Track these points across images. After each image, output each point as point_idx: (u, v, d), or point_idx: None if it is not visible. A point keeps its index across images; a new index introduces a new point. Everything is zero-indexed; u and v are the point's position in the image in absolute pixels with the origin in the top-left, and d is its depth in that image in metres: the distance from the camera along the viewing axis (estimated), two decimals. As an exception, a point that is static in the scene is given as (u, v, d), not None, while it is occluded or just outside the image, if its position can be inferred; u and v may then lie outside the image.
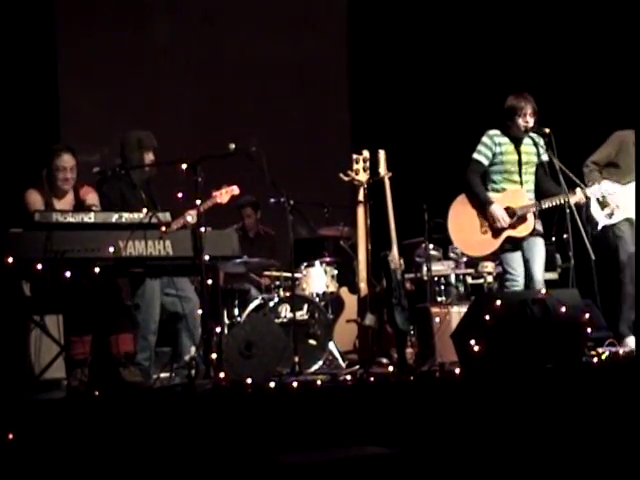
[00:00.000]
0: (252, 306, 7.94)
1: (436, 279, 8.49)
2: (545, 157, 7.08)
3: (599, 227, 7.50)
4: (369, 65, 11.01)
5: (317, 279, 8.27)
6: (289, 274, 7.58)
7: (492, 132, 7.03)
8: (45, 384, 6.03)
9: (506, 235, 6.91)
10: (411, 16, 10.69)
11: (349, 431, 5.19)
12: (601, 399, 5.79)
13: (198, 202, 6.11)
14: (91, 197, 6.62)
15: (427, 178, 9.65)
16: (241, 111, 10.43)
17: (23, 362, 6.14)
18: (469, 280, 8.70)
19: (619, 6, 9.23)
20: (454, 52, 10.39)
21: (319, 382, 5.94)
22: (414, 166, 9.65)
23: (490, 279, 8.38)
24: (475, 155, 6.99)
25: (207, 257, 5.90)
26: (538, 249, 7.02)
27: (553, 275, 8.38)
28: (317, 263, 8.36)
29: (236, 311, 8.16)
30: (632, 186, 7.51)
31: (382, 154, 6.75)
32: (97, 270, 5.69)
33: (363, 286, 6.58)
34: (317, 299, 8.10)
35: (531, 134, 7.02)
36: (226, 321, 7.89)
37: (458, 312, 7.12)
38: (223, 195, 7.16)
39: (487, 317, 6.08)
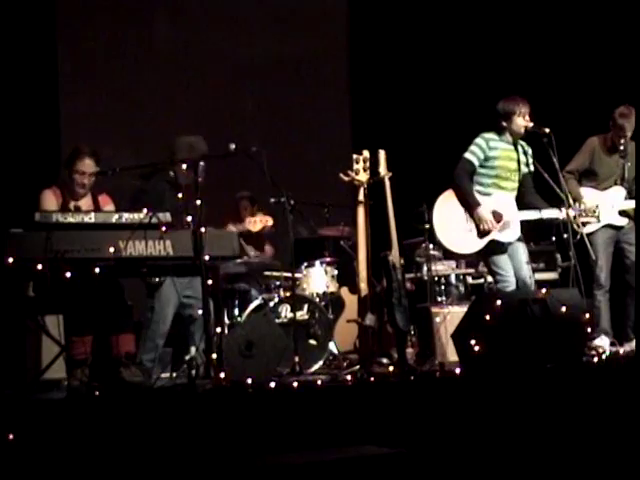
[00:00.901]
0: (252, 306, 7.94)
1: (436, 279, 8.49)
2: (532, 167, 7.07)
3: (578, 236, 7.49)
4: (369, 64, 11.00)
5: (317, 279, 8.26)
6: (289, 274, 7.58)
7: (487, 135, 7.00)
8: (45, 384, 6.03)
9: (491, 238, 6.88)
10: (412, 16, 10.68)
11: (349, 431, 5.20)
12: (601, 399, 5.79)
13: (198, 202, 6.11)
14: (109, 208, 6.63)
15: (427, 178, 9.64)
16: (241, 111, 10.43)
17: (23, 362, 6.14)
18: (469, 280, 8.70)
19: (616, 6, 9.24)
20: (454, 52, 10.38)
21: (319, 382, 5.94)
22: (414, 166, 9.64)
23: (490, 279, 8.37)
24: (467, 154, 6.95)
25: (207, 257, 5.91)
26: (521, 253, 6.97)
27: (553, 275, 8.38)
28: (317, 263, 8.36)
29: (236, 311, 8.16)
30: (611, 191, 7.57)
31: (382, 154, 6.75)
32: (97, 270, 5.70)
33: (363, 286, 6.58)
34: (317, 299, 8.10)
35: (521, 142, 7.00)
36: (226, 321, 7.89)
37: (458, 312, 7.13)
38: (257, 223, 7.16)
39: (487, 317, 6.08)
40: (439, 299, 8.35)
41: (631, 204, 7.53)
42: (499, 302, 6.15)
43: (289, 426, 5.15)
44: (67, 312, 6.01)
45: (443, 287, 8.57)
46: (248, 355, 6.21)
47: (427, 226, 7.82)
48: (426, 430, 5.38)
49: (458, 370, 6.11)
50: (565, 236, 7.14)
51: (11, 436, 4.56)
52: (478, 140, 6.97)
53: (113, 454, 4.73)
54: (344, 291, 8.21)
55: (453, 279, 8.67)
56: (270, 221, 7.24)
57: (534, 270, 7.26)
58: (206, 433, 4.98)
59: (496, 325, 6.07)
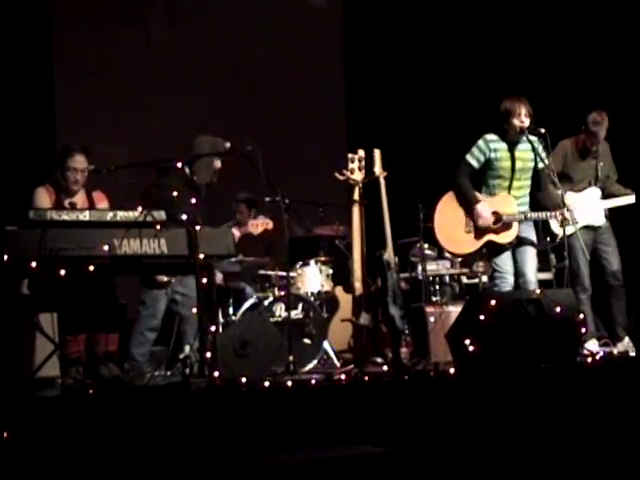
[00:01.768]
0: (247, 305, 7.94)
1: (431, 279, 8.50)
2: (541, 164, 7.02)
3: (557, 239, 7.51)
4: (365, 64, 11.01)
5: (312, 278, 8.26)
6: (284, 273, 7.58)
7: (489, 137, 6.98)
8: (39, 382, 6.02)
9: (488, 239, 6.88)
10: (407, 16, 10.69)
11: (343, 430, 5.20)
12: (595, 399, 5.80)
13: (193, 201, 6.10)
14: (104, 205, 6.62)
15: (422, 178, 9.65)
16: (236, 110, 10.42)
17: (17, 360, 6.13)
18: (464, 280, 8.70)
19: (613, 7, 9.26)
20: (450, 51, 10.39)
21: (313, 381, 5.94)
22: (409, 166, 9.65)
23: (485, 279, 8.37)
24: (467, 156, 6.95)
25: (202, 255, 5.90)
26: (528, 254, 6.97)
27: (548, 275, 8.39)
28: (312, 262, 8.36)
29: (231, 310, 8.15)
30: (587, 192, 7.60)
31: (377, 153, 6.75)
32: (92, 268, 5.69)
33: (358, 285, 6.58)
34: (312, 298, 8.10)
35: (531, 138, 6.97)
36: (221, 320, 7.88)
37: (453, 312, 7.14)
38: (258, 227, 7.15)
39: (482, 317, 6.08)
40: (433, 299, 8.36)
41: (614, 202, 7.60)
42: (494, 302, 6.15)
43: (283, 425, 5.15)
44: (61, 310, 6.00)
45: (438, 287, 8.57)
46: (242, 354, 6.20)
47: (422, 225, 7.83)
48: (420, 430, 5.38)
49: (452, 370, 6.11)
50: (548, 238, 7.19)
51: (5, 434, 4.55)
52: (479, 142, 6.96)
53: (107, 452, 4.73)
54: (339, 290, 8.22)
55: (448, 279, 8.68)
56: (270, 224, 7.21)
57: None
58: (200, 432, 4.98)
59: (490, 325, 6.07)
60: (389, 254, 6.60)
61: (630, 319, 7.40)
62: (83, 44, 9.86)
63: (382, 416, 5.36)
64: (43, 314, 6.13)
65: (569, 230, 7.11)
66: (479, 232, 6.88)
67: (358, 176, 6.63)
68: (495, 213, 6.85)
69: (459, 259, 8.55)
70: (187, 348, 6.37)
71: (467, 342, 6.04)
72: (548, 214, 6.88)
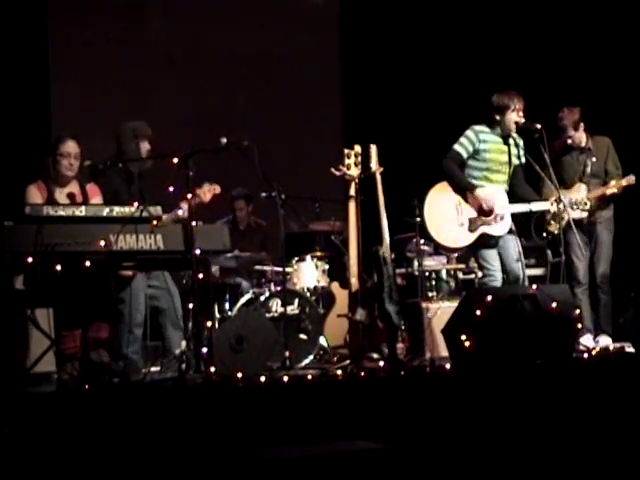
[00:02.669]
0: (243, 300, 7.93)
1: (427, 274, 8.50)
2: (523, 159, 7.08)
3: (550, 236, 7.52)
4: (361, 59, 11.00)
5: (308, 274, 8.26)
6: (280, 268, 7.57)
7: (478, 128, 7.01)
8: (35, 377, 6.02)
9: (482, 231, 6.90)
10: (403, 11, 10.68)
11: (339, 426, 5.20)
12: (591, 395, 5.80)
13: (189, 196, 6.11)
14: (97, 198, 6.62)
15: (418, 173, 9.63)
16: (232, 105, 10.41)
17: (13, 355, 6.13)
18: (460, 275, 8.70)
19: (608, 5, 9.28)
20: (446, 46, 10.39)
21: (309, 377, 5.94)
22: (405, 161, 9.64)
23: (480, 275, 8.36)
24: (456, 146, 6.97)
25: (198, 251, 5.91)
26: (511, 247, 6.98)
27: (543, 271, 8.39)
28: (308, 258, 8.36)
29: (227, 305, 8.15)
30: (575, 189, 7.62)
31: (374, 149, 6.74)
32: (88, 264, 5.69)
33: (354, 281, 6.57)
34: (308, 294, 8.09)
35: (513, 134, 7.01)
36: (217, 315, 7.89)
37: (449, 307, 7.14)
38: (206, 194, 7.03)
39: (478, 312, 6.09)
40: (430, 294, 8.35)
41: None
42: (489, 298, 6.15)
43: (279, 421, 5.15)
44: (57, 306, 6.00)
45: (434, 282, 8.56)
46: (238, 349, 6.20)
47: (418, 220, 7.83)
48: (416, 425, 5.38)
49: (448, 365, 6.12)
50: (556, 232, 7.17)
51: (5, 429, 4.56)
52: (468, 132, 6.99)
53: (103, 448, 4.73)
54: (335, 286, 8.21)
55: (444, 274, 8.68)
56: (218, 189, 7.04)
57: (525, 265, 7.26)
58: (196, 427, 4.98)
59: (486, 321, 6.08)
60: (385, 250, 6.60)
61: (621, 319, 7.39)
62: (79, 40, 9.86)
63: (378, 412, 5.36)
64: (39, 309, 6.13)
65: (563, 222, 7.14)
66: (472, 224, 6.89)
67: (354, 172, 6.63)
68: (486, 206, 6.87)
69: (455, 254, 8.55)
70: (183, 343, 6.37)
71: (463, 338, 6.05)
72: (546, 204, 6.88)
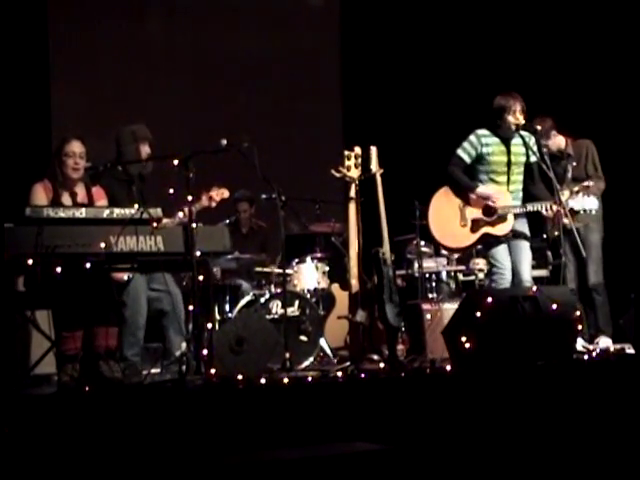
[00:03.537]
0: (243, 302, 7.94)
1: (427, 276, 8.51)
2: (534, 158, 7.09)
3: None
4: (361, 61, 11.01)
5: (308, 275, 8.27)
6: (280, 270, 7.57)
7: (480, 132, 7.03)
8: (36, 379, 6.02)
9: (484, 232, 6.92)
10: (403, 13, 10.69)
11: (339, 427, 5.20)
12: (592, 396, 5.80)
13: (190, 198, 6.11)
14: (102, 201, 6.61)
15: (419, 175, 9.65)
16: (233, 107, 10.41)
17: (13, 357, 6.13)
18: (460, 277, 8.72)
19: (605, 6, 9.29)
20: (446, 48, 10.40)
21: (310, 378, 5.94)
22: (406, 163, 9.65)
23: (481, 276, 8.38)
24: (458, 151, 7.00)
25: (198, 253, 5.90)
26: (523, 251, 7.00)
27: (544, 272, 8.40)
28: (308, 259, 8.37)
29: (227, 307, 8.15)
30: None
31: (374, 150, 6.75)
32: (88, 265, 5.69)
33: (354, 282, 6.57)
34: (308, 295, 8.10)
35: (522, 133, 7.02)
36: (217, 317, 7.89)
37: (449, 309, 7.14)
38: (215, 198, 7.01)
39: (478, 314, 6.08)
40: (430, 296, 8.36)
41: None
42: (490, 299, 6.15)
43: (279, 422, 5.14)
44: (57, 307, 6.00)
45: (434, 284, 8.58)
46: (239, 351, 6.20)
47: (419, 222, 7.84)
48: (416, 426, 5.38)
49: (448, 367, 6.11)
50: (556, 233, 7.16)
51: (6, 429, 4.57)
52: (471, 137, 7.02)
53: (103, 449, 4.73)
54: (335, 287, 8.21)
55: (444, 276, 8.69)
56: (226, 193, 7.04)
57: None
58: (196, 429, 4.98)
59: (487, 322, 6.07)
60: (385, 251, 6.60)
61: (622, 320, 7.39)
62: (79, 41, 9.86)
63: (378, 413, 5.36)
64: (39, 311, 6.13)
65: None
66: (475, 225, 6.91)
67: (354, 173, 6.63)
68: (489, 207, 6.88)
69: (455, 256, 8.56)
70: (183, 345, 6.36)
71: (463, 339, 6.05)
72: (542, 204, 6.89)
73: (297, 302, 7.89)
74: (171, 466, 4.77)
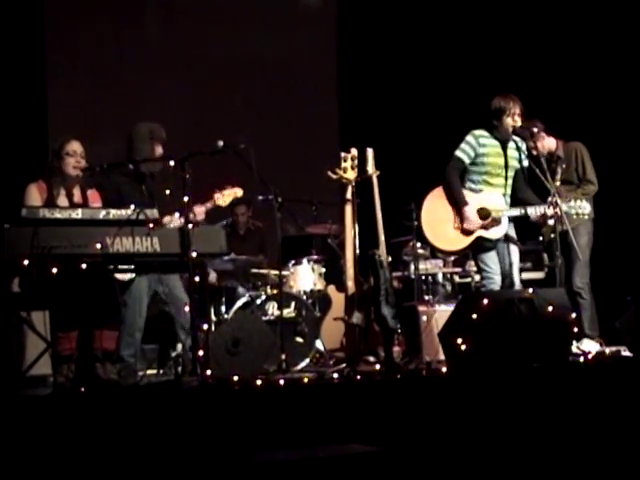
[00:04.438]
0: (239, 303, 7.94)
1: (423, 278, 8.51)
2: (526, 163, 7.10)
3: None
4: (357, 63, 11.02)
5: (305, 277, 8.27)
6: (277, 271, 7.58)
7: (478, 132, 7.03)
8: (31, 380, 6.01)
9: (477, 235, 6.91)
10: (400, 15, 10.70)
11: (335, 429, 5.19)
12: (587, 398, 5.80)
13: (186, 199, 6.10)
14: (97, 204, 6.60)
15: (415, 177, 9.65)
16: (230, 108, 10.42)
17: (9, 358, 6.12)
18: (456, 279, 8.72)
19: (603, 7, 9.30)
20: (442, 50, 10.40)
21: (306, 380, 5.94)
22: (402, 164, 9.65)
23: (477, 278, 8.38)
24: (457, 152, 7.00)
25: (194, 254, 5.90)
26: (513, 255, 7.00)
27: (540, 274, 8.40)
28: (305, 261, 8.37)
29: (223, 308, 8.15)
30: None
31: (370, 152, 6.75)
32: (84, 266, 5.68)
33: (350, 284, 6.57)
34: (304, 297, 8.10)
35: (515, 138, 7.03)
36: (213, 318, 7.88)
37: (445, 311, 7.14)
38: (225, 197, 7.01)
39: (474, 316, 6.09)
40: (426, 298, 8.36)
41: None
42: (486, 301, 6.15)
43: (275, 424, 5.14)
44: (53, 308, 5.99)
45: (430, 286, 8.58)
46: (235, 352, 6.20)
47: (415, 223, 7.83)
48: (412, 428, 5.38)
49: (444, 369, 6.11)
50: (552, 236, 7.16)
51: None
52: (468, 137, 7.01)
53: (99, 451, 4.72)
54: (331, 289, 8.22)
55: (440, 278, 8.69)
56: (240, 192, 7.03)
57: (521, 270, 7.27)
58: (192, 430, 4.97)
59: (483, 324, 6.07)
60: (382, 253, 6.60)
61: (617, 323, 7.39)
62: (76, 42, 9.86)
63: (374, 415, 5.36)
64: (35, 312, 6.12)
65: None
66: (466, 230, 6.91)
67: (351, 175, 6.63)
68: (483, 210, 6.87)
69: (452, 258, 8.56)
70: (179, 346, 6.36)
71: (459, 341, 6.05)
72: (542, 207, 6.87)
73: (293, 304, 7.90)
74: (167, 468, 4.77)
